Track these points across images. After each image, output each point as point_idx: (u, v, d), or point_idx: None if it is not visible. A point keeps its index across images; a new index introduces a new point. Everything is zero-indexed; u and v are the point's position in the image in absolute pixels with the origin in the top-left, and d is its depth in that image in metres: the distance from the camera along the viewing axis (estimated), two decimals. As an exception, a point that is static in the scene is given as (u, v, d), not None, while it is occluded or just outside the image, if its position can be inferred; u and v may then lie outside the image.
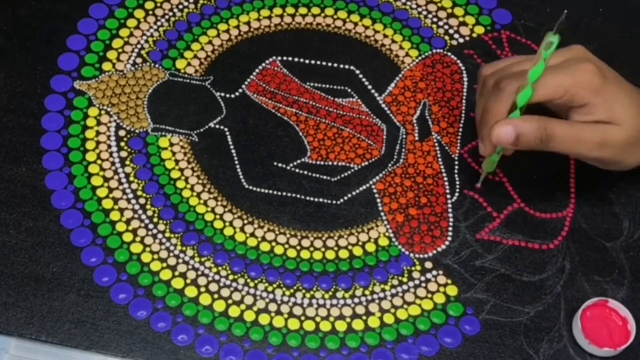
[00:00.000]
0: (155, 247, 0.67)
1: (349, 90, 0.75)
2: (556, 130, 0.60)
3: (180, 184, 0.70)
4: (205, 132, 0.72)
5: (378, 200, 0.70)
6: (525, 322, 0.65)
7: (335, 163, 0.71)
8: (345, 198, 0.70)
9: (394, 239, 0.68)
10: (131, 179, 0.70)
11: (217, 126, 0.73)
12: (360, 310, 0.65)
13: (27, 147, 0.71)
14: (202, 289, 0.65)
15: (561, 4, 0.80)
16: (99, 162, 0.70)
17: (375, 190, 0.70)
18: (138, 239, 0.67)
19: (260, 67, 0.76)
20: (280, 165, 0.71)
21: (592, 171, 0.67)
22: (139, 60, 0.75)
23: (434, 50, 0.77)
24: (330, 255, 0.67)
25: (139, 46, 0.76)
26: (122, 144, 0.71)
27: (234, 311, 0.64)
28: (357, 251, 0.67)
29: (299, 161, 0.71)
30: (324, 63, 0.76)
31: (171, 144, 0.71)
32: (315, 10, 0.79)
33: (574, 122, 0.61)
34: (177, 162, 0.71)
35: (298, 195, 0.70)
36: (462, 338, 0.64)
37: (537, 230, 0.69)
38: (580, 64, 0.61)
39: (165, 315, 0.64)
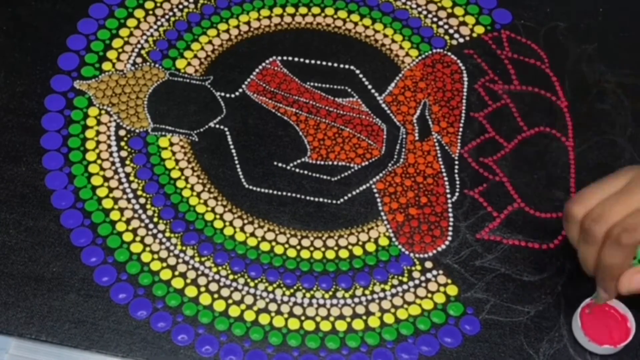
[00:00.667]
0: (155, 246, 0.67)
1: (349, 90, 0.75)
2: None
3: (180, 183, 0.70)
4: (206, 132, 0.72)
5: (378, 200, 0.70)
6: (525, 322, 0.65)
7: (335, 163, 0.71)
8: (346, 198, 0.70)
9: (394, 239, 0.68)
10: (131, 178, 0.70)
11: (217, 126, 0.73)
12: (360, 310, 0.65)
13: (27, 147, 0.71)
14: (202, 289, 0.65)
15: (561, 3, 0.80)
16: (99, 161, 0.70)
17: (375, 190, 0.70)
18: (138, 238, 0.67)
19: (260, 67, 0.76)
20: (280, 165, 0.71)
21: (592, 171, 0.67)
22: (139, 60, 0.75)
23: (434, 50, 0.77)
24: (330, 255, 0.67)
25: (139, 46, 0.76)
26: (122, 143, 0.71)
27: (234, 311, 0.64)
28: (357, 251, 0.67)
29: (299, 161, 0.71)
30: (324, 63, 0.76)
31: (171, 144, 0.71)
32: (316, 10, 0.79)
33: None
34: (177, 161, 0.71)
35: (298, 195, 0.70)
36: (462, 338, 0.64)
37: (537, 230, 0.69)
38: None
39: (165, 315, 0.64)
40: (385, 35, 0.78)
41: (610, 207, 0.58)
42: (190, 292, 0.65)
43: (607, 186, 0.60)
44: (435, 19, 0.79)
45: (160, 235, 0.67)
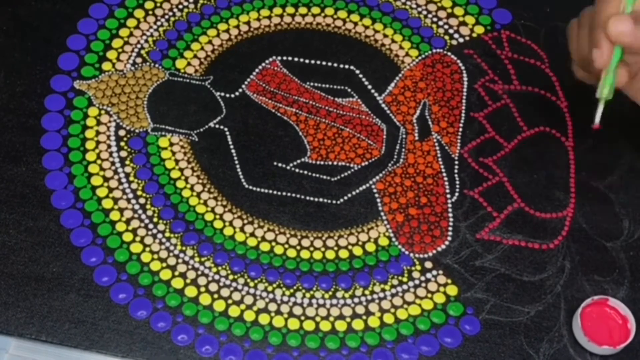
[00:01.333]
0: (155, 247, 0.67)
1: (349, 90, 0.75)
2: None
3: (180, 183, 0.70)
4: (205, 132, 0.72)
5: (378, 200, 0.70)
6: (525, 321, 0.65)
7: (335, 163, 0.71)
8: (345, 198, 0.70)
9: (394, 239, 0.68)
10: (131, 178, 0.70)
11: (217, 126, 0.73)
12: (360, 310, 0.65)
13: (27, 147, 0.71)
14: (202, 289, 0.65)
15: (561, 3, 0.80)
16: (98, 161, 0.70)
17: (375, 190, 0.70)
18: (138, 238, 0.67)
19: (260, 67, 0.76)
20: (280, 165, 0.71)
21: (592, 171, 0.67)
22: (138, 60, 0.75)
23: (434, 50, 0.77)
24: (330, 255, 0.67)
25: (138, 46, 0.76)
26: (122, 143, 0.71)
27: (233, 311, 0.64)
28: (357, 251, 0.67)
29: (299, 161, 0.71)
30: (324, 63, 0.76)
31: (171, 144, 0.71)
32: (315, 10, 0.79)
33: None
34: (177, 162, 0.71)
35: (298, 195, 0.70)
36: (462, 338, 0.64)
37: (537, 230, 0.69)
38: None
39: (165, 315, 0.64)
40: (385, 35, 0.78)
41: None
42: (190, 292, 0.65)
43: None
44: (435, 19, 0.79)
45: (160, 236, 0.67)
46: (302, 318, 0.64)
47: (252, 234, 0.68)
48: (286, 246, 0.67)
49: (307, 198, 0.70)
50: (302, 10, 0.79)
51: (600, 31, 0.59)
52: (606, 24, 0.58)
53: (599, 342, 0.62)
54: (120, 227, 0.67)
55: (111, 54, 0.76)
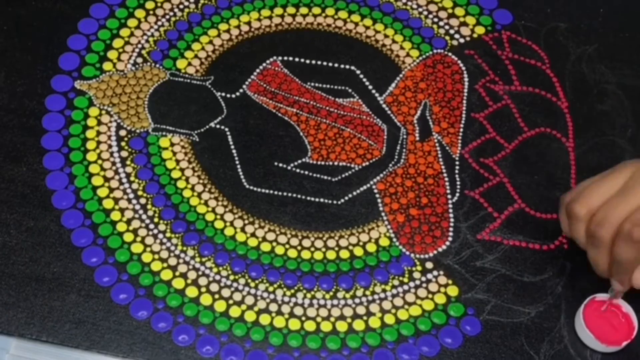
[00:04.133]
0: (156, 247, 0.67)
1: (350, 90, 0.75)
2: None
3: (180, 184, 0.70)
4: (206, 132, 0.72)
5: (379, 200, 0.70)
6: (526, 322, 0.65)
7: (335, 163, 0.71)
8: (346, 198, 0.70)
9: (394, 239, 0.68)
10: (132, 179, 0.70)
11: (218, 126, 0.73)
12: (361, 310, 0.65)
13: (27, 147, 0.70)
14: (203, 289, 0.65)
15: (561, 4, 0.80)
16: (99, 162, 0.70)
17: (376, 191, 0.70)
18: (139, 239, 0.67)
19: (261, 67, 0.76)
20: (281, 165, 0.71)
21: (593, 172, 0.67)
22: (139, 60, 0.75)
23: (435, 51, 0.77)
24: (331, 255, 0.67)
25: (139, 46, 0.76)
26: (123, 144, 0.71)
27: (234, 311, 0.64)
28: (358, 251, 0.67)
29: (299, 161, 0.71)
30: (325, 63, 0.76)
31: (172, 144, 0.71)
32: (316, 10, 0.79)
33: None
34: (177, 162, 0.71)
35: (299, 196, 0.70)
36: (462, 338, 0.64)
37: (538, 231, 0.69)
38: None
39: (166, 315, 0.64)
40: (386, 36, 0.78)
41: (614, 208, 0.58)
42: (191, 292, 0.65)
43: (608, 183, 0.60)
44: (436, 20, 0.79)
45: (160, 236, 0.67)
46: (303, 318, 0.64)
47: (253, 234, 0.68)
48: (287, 246, 0.67)
49: (308, 198, 0.70)
50: (303, 10, 0.79)
51: (625, 275, 0.60)
52: (633, 275, 0.60)
53: (603, 339, 0.62)
54: (121, 227, 0.67)
55: (112, 54, 0.76)
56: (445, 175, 0.71)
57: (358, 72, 0.76)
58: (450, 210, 0.69)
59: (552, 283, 0.66)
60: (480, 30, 0.79)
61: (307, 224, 0.68)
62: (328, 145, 0.72)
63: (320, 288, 0.66)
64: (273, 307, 0.65)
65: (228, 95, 0.74)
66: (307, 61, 0.76)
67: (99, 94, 0.74)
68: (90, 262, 0.66)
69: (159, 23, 0.77)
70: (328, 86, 0.75)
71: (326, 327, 0.64)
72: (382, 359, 0.63)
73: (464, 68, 0.76)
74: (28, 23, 0.77)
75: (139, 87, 0.74)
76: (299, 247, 0.67)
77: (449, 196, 0.70)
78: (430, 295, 0.66)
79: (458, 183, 0.71)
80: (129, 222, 0.68)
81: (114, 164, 0.70)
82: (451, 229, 0.68)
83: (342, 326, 0.64)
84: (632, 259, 0.59)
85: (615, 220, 0.58)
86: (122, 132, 0.72)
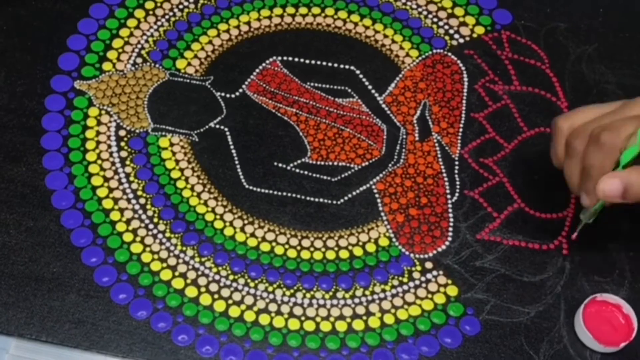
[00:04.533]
0: (156, 247, 0.67)
1: (349, 90, 0.75)
2: None
3: (180, 184, 0.70)
4: (206, 132, 0.72)
5: (378, 200, 0.70)
6: (525, 322, 0.65)
7: (335, 163, 0.71)
8: (346, 198, 0.70)
9: (394, 239, 0.68)
10: (131, 179, 0.70)
11: (218, 126, 0.73)
12: (360, 310, 0.65)
13: (27, 147, 0.71)
14: (203, 289, 0.65)
15: (561, 4, 0.80)
16: (99, 162, 0.70)
17: (375, 191, 0.70)
18: (138, 239, 0.67)
19: (260, 67, 0.76)
20: (280, 165, 0.71)
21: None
22: (139, 60, 0.75)
23: (434, 51, 0.77)
24: (330, 255, 0.67)
25: (139, 46, 0.76)
26: (123, 144, 0.71)
27: (234, 311, 0.64)
28: (358, 251, 0.67)
29: (299, 161, 0.71)
30: (324, 63, 0.76)
31: (171, 144, 0.71)
32: (316, 10, 0.79)
33: None
34: (177, 162, 0.71)
35: (298, 196, 0.70)
36: (462, 338, 0.64)
37: (537, 231, 0.69)
38: None
39: (166, 315, 0.64)
40: (386, 36, 0.78)
41: (592, 123, 0.59)
42: (191, 292, 0.65)
43: (596, 108, 0.61)
44: (435, 20, 0.79)
45: (160, 236, 0.67)
46: (303, 318, 0.64)
47: (253, 234, 0.68)
48: (286, 246, 0.67)
49: (308, 198, 0.70)
50: (303, 10, 0.79)
51: (590, 182, 0.60)
52: (597, 182, 0.58)
53: (603, 340, 0.62)
54: (121, 227, 0.67)
55: (111, 54, 0.76)
56: (444, 175, 0.71)
57: (357, 72, 0.76)
58: (450, 210, 0.69)
59: (552, 283, 0.66)
60: (479, 30, 0.79)
61: (306, 224, 0.68)
62: (328, 145, 0.72)
63: (319, 288, 0.66)
64: (272, 307, 0.65)
65: (228, 95, 0.74)
66: (307, 61, 0.76)
67: (98, 94, 0.74)
68: (89, 262, 0.66)
69: (159, 23, 0.78)
70: (328, 86, 0.75)
71: (326, 327, 0.64)
72: (381, 358, 0.63)
73: (463, 68, 0.76)
74: (28, 23, 0.77)
75: (138, 87, 0.74)
76: (299, 247, 0.67)
77: (449, 196, 0.70)
78: (429, 295, 0.66)
79: (457, 183, 0.71)
80: (128, 222, 0.68)
81: (113, 164, 0.70)
82: (451, 229, 0.68)
83: (341, 326, 0.64)
84: (597, 164, 0.58)
85: (590, 132, 0.58)
86: (122, 132, 0.72)
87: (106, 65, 0.75)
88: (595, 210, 0.62)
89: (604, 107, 0.61)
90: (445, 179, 0.71)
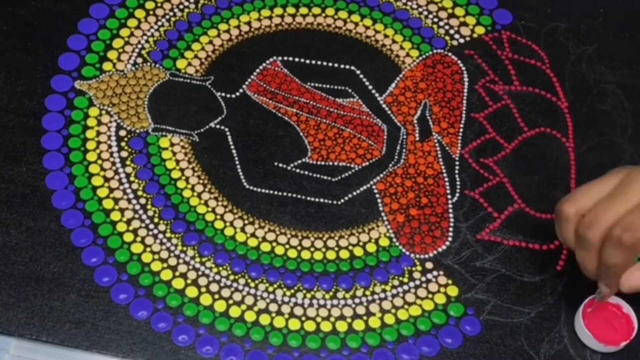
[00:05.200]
0: (156, 247, 0.67)
1: (350, 90, 0.75)
2: None
3: (180, 184, 0.70)
4: (206, 132, 0.72)
5: (379, 200, 0.70)
6: (525, 322, 0.65)
7: (335, 163, 0.71)
8: (346, 198, 0.70)
9: (394, 239, 0.68)
10: (132, 179, 0.70)
11: (218, 126, 0.73)
12: (360, 310, 0.65)
13: (27, 147, 0.71)
14: (203, 289, 0.65)
15: (561, 4, 0.80)
16: (99, 162, 0.70)
17: (375, 191, 0.70)
18: (139, 239, 0.67)
19: (260, 67, 0.76)
20: (280, 165, 0.71)
21: (593, 172, 0.67)
22: (139, 60, 0.75)
23: (435, 51, 0.77)
24: (330, 255, 0.67)
25: (139, 46, 0.76)
26: (123, 144, 0.71)
27: (234, 311, 0.64)
28: (358, 251, 0.67)
29: (299, 161, 0.71)
30: (325, 63, 0.76)
31: (172, 144, 0.71)
32: (316, 10, 0.79)
33: None
34: (177, 162, 0.71)
35: (299, 196, 0.70)
36: (462, 338, 0.64)
37: (538, 231, 0.69)
38: None
39: (166, 315, 0.64)
40: (386, 36, 0.78)
41: (604, 211, 0.58)
42: (191, 292, 0.65)
43: (599, 187, 0.60)
44: (435, 20, 0.79)
45: (160, 236, 0.67)
46: (303, 318, 0.64)
47: (253, 235, 0.68)
48: (287, 247, 0.67)
49: (308, 198, 0.70)
50: (303, 10, 0.79)
51: (612, 278, 0.60)
52: (620, 279, 0.59)
53: (603, 339, 0.62)
54: (121, 227, 0.67)
55: (112, 54, 0.76)
56: (445, 175, 0.71)
57: (358, 72, 0.76)
58: (450, 211, 0.69)
59: (552, 283, 0.66)
60: (480, 30, 0.79)
61: (307, 224, 0.68)
62: (328, 146, 0.72)
63: (320, 288, 0.66)
64: (273, 307, 0.65)
65: (228, 95, 0.74)
66: (307, 61, 0.76)
67: (98, 94, 0.74)
68: (90, 262, 0.66)
69: (159, 23, 0.78)
70: (328, 86, 0.75)
71: (326, 327, 0.64)
72: (382, 359, 0.63)
73: (463, 68, 0.76)
74: (28, 23, 0.77)
75: (138, 87, 0.74)
76: (299, 247, 0.67)
77: (449, 196, 0.70)
78: (430, 295, 0.66)
79: (458, 183, 0.71)
80: (128, 222, 0.68)
81: (113, 164, 0.70)
82: (451, 229, 0.68)
83: (342, 326, 0.64)
84: (620, 264, 0.58)
85: (604, 223, 0.57)
86: (122, 132, 0.72)
87: (106, 65, 0.75)
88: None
89: (606, 184, 0.59)
90: (446, 179, 0.71)
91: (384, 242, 0.68)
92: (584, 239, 0.59)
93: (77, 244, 0.66)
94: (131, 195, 0.69)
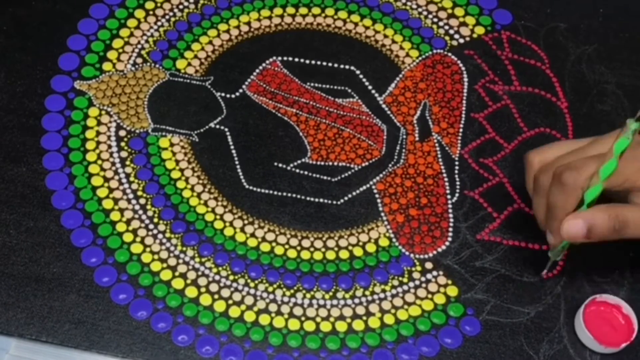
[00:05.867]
0: (156, 247, 0.67)
1: (349, 90, 0.75)
2: (628, 217, 0.58)
3: (180, 184, 0.70)
4: (206, 133, 0.72)
5: (378, 200, 0.70)
6: (525, 322, 0.65)
7: (335, 163, 0.71)
8: (346, 198, 0.70)
9: (394, 240, 0.68)
10: (131, 179, 0.70)
11: (218, 126, 0.73)
12: (360, 310, 0.65)
13: (27, 147, 0.71)
14: (203, 290, 0.65)
15: (561, 4, 0.80)
16: (99, 162, 0.70)
17: (375, 191, 0.70)
18: (138, 239, 0.67)
19: (260, 67, 0.76)
20: (280, 165, 0.71)
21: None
22: (139, 60, 0.75)
23: (435, 51, 0.77)
24: (330, 255, 0.67)
25: (139, 46, 0.76)
26: (123, 144, 0.71)
27: (234, 311, 0.64)
28: (358, 252, 0.67)
29: (299, 161, 0.71)
30: (325, 63, 0.76)
31: (171, 144, 0.71)
32: (316, 10, 0.79)
33: None
34: (177, 162, 0.71)
35: (298, 196, 0.70)
36: (462, 339, 0.64)
37: (538, 231, 0.68)
38: (638, 150, 0.57)
39: (166, 315, 0.64)
40: (386, 36, 0.78)
41: (562, 159, 0.59)
42: (191, 292, 0.65)
43: (568, 143, 0.61)
44: (435, 20, 0.79)
45: (160, 236, 0.67)
46: (303, 319, 0.64)
47: (253, 235, 0.68)
48: (286, 247, 0.67)
49: (308, 198, 0.70)
50: (303, 10, 0.79)
51: (554, 221, 0.60)
52: (561, 222, 0.59)
53: (604, 341, 0.62)
54: (121, 227, 0.67)
55: (111, 54, 0.76)
56: (444, 175, 0.71)
57: (358, 72, 0.76)
58: (450, 211, 0.69)
59: (552, 283, 0.66)
60: (479, 30, 0.79)
61: (306, 224, 0.68)
62: (328, 146, 0.72)
63: (319, 288, 0.66)
64: (272, 307, 0.65)
65: (228, 96, 0.74)
66: (307, 61, 0.76)
67: (98, 94, 0.74)
68: (89, 262, 0.66)
69: (159, 23, 0.78)
70: (328, 86, 0.75)
71: (326, 327, 0.64)
72: (381, 359, 0.63)
73: (463, 68, 0.76)
74: (28, 23, 0.77)
75: (138, 88, 0.74)
76: (299, 248, 0.67)
77: (449, 196, 0.70)
78: (429, 296, 0.66)
79: (457, 183, 0.71)
80: (128, 222, 0.68)
81: (113, 164, 0.70)
82: (451, 229, 0.68)
83: (341, 326, 0.64)
84: (560, 204, 0.58)
85: (557, 167, 0.58)
86: (122, 133, 0.72)
87: (106, 66, 0.75)
88: (562, 247, 0.62)
89: (576, 143, 0.61)
90: (445, 179, 0.71)
91: (384, 242, 0.68)
92: (538, 182, 0.60)
93: (77, 244, 0.66)
94: (131, 196, 0.69)
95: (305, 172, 0.71)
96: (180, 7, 0.79)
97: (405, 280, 0.66)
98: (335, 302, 0.65)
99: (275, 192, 0.70)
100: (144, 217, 0.68)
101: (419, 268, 0.67)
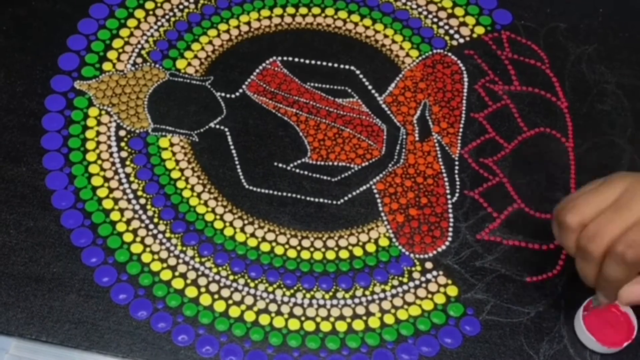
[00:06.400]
0: (156, 247, 0.67)
1: (349, 90, 0.75)
2: None
3: (180, 184, 0.70)
4: (206, 133, 0.72)
5: (378, 200, 0.70)
6: (525, 322, 0.65)
7: (335, 163, 0.71)
8: (346, 198, 0.70)
9: (394, 240, 0.68)
10: (131, 179, 0.70)
11: (218, 126, 0.73)
12: (360, 310, 0.65)
13: (27, 147, 0.71)
14: (203, 289, 0.65)
15: (561, 4, 0.80)
16: (99, 162, 0.70)
17: (375, 191, 0.70)
18: (138, 239, 0.67)
19: (260, 67, 0.76)
20: (280, 165, 0.71)
21: (592, 172, 0.67)
22: (139, 60, 0.75)
23: (435, 51, 0.77)
24: (330, 255, 0.67)
25: (139, 46, 0.76)
26: (123, 144, 0.71)
27: (234, 311, 0.64)
28: (358, 251, 0.67)
29: (299, 161, 0.71)
30: (325, 63, 0.76)
31: (171, 144, 0.71)
32: (316, 10, 0.79)
33: None
34: (177, 162, 0.71)
35: (298, 196, 0.70)
36: (462, 338, 0.64)
37: (538, 231, 0.69)
38: None
39: (166, 315, 0.64)
40: (386, 36, 0.78)
41: (607, 223, 0.56)
42: (191, 292, 0.65)
43: (603, 195, 0.58)
44: (435, 20, 0.79)
45: (160, 236, 0.67)
46: (303, 318, 0.64)
47: (253, 235, 0.68)
48: (286, 247, 0.67)
49: (308, 198, 0.70)
50: (303, 10, 0.79)
51: (612, 289, 0.59)
52: (619, 292, 0.58)
53: (603, 341, 0.62)
54: (121, 227, 0.67)
55: (111, 54, 0.76)
56: (444, 175, 0.71)
57: (357, 72, 0.76)
58: (450, 211, 0.69)
59: (552, 283, 0.66)
60: (479, 30, 0.79)
61: (306, 224, 0.68)
62: (327, 146, 0.72)
63: (319, 288, 0.66)
64: (272, 307, 0.65)
65: (228, 96, 0.74)
66: (307, 61, 0.76)
67: (98, 94, 0.74)
68: (89, 262, 0.66)
69: (159, 23, 0.78)
70: (328, 86, 0.75)
71: (326, 327, 0.64)
72: (381, 359, 0.63)
73: (463, 68, 0.76)
74: (28, 23, 0.77)
75: (138, 87, 0.74)
76: (299, 248, 0.67)
77: (449, 196, 0.70)
78: (429, 295, 0.66)
79: (457, 183, 0.71)
80: (128, 222, 0.68)
81: (113, 164, 0.70)
82: (451, 229, 0.68)
83: (341, 326, 0.64)
84: (620, 278, 0.58)
85: (608, 237, 0.56)
86: (122, 133, 0.72)
87: (106, 66, 0.75)
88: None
89: (609, 192, 0.58)
90: (445, 179, 0.71)
91: (384, 242, 0.68)
92: (586, 251, 0.57)
93: (77, 244, 0.66)
94: (131, 196, 0.69)
95: (305, 172, 0.71)
96: (180, 7, 0.79)
97: (405, 280, 0.66)
98: (335, 302, 0.65)
99: (275, 192, 0.70)
100: (144, 217, 0.68)
101: (419, 268, 0.67)
